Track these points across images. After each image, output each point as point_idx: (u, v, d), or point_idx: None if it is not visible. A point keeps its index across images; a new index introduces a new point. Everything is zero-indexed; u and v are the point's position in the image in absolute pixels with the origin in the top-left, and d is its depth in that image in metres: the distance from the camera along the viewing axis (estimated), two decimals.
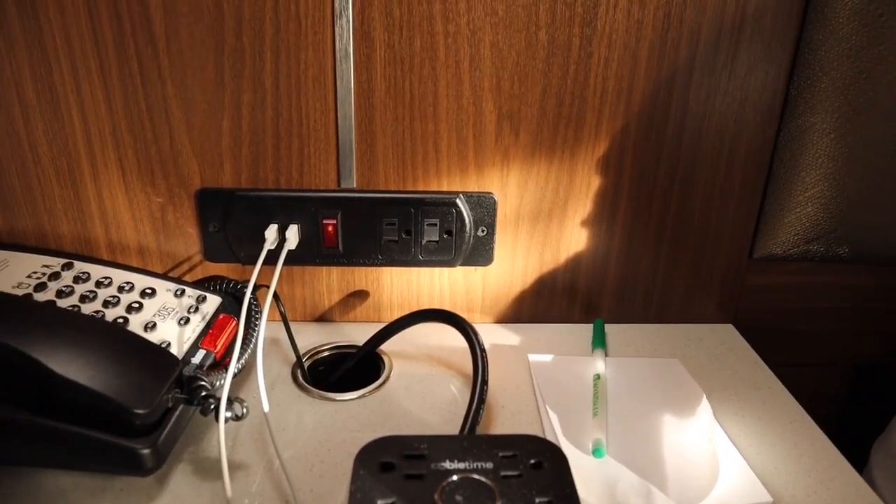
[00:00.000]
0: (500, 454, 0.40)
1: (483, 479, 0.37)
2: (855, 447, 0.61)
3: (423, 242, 0.60)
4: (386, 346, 0.59)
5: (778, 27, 0.56)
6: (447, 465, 0.39)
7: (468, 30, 0.54)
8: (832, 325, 0.70)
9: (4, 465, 0.45)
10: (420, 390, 0.55)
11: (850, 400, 0.76)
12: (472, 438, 0.42)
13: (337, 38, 0.53)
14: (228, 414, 0.44)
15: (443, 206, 0.58)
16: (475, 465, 0.38)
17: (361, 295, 0.63)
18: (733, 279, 0.66)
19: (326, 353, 0.60)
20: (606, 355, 0.60)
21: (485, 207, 0.59)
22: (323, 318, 0.64)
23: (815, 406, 0.59)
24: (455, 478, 0.37)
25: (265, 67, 0.54)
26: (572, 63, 0.55)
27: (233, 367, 0.48)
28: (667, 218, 0.62)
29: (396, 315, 0.59)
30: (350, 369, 0.58)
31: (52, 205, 0.59)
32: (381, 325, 0.58)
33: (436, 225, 0.59)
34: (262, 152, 0.57)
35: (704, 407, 0.52)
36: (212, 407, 0.44)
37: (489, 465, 0.38)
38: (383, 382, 0.55)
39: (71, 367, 0.42)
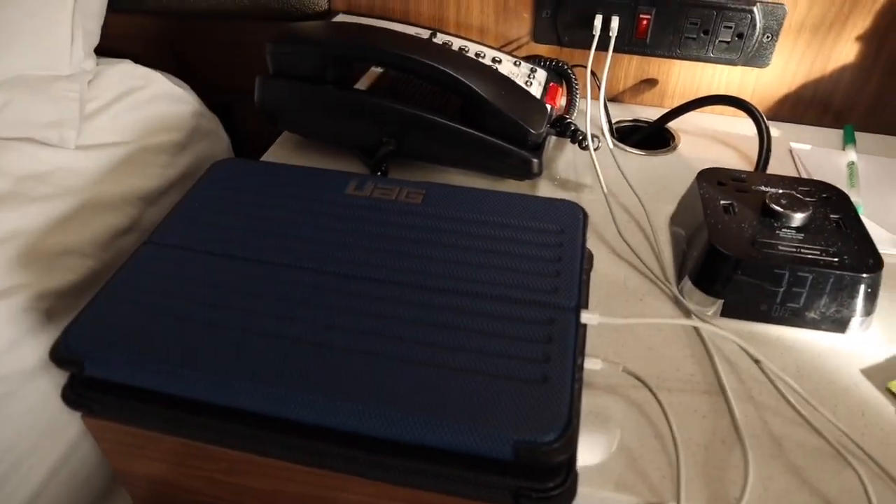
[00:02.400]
0: (798, 187, 0.56)
1: (796, 194, 0.53)
2: None
3: (717, 42, 0.73)
4: (672, 125, 0.74)
5: None
6: (763, 187, 0.55)
7: None
8: None
9: (439, 164, 0.66)
10: (704, 156, 0.71)
11: None
12: (774, 175, 0.58)
13: None
14: (592, 144, 0.62)
15: (741, 12, 0.70)
16: (783, 190, 0.55)
17: (651, 82, 0.78)
18: None
19: (626, 124, 0.76)
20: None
21: (775, 16, 0.71)
22: (615, 98, 0.80)
23: None
24: (779, 190, 0.54)
25: None
26: None
27: (589, 108, 0.66)
28: None
29: (677, 103, 0.73)
30: (642, 139, 0.74)
31: None
32: (663, 110, 0.73)
33: (731, 28, 0.72)
34: None
35: None
36: (580, 136, 0.62)
37: (792, 192, 0.55)
38: (674, 148, 0.72)
39: (490, 93, 0.61)
